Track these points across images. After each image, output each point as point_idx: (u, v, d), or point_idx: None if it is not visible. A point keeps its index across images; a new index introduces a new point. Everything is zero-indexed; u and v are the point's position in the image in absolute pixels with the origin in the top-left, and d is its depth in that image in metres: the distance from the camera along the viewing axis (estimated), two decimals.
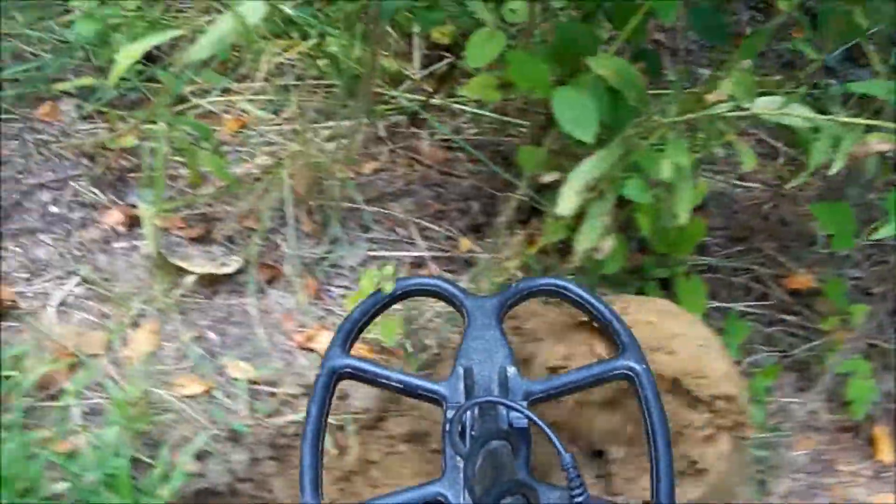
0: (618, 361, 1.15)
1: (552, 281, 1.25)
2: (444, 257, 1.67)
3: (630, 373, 1.14)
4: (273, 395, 1.47)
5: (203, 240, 1.66)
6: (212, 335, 1.54)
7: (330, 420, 1.36)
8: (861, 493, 1.55)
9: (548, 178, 1.41)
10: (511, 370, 1.15)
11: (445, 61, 1.89)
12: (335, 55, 1.75)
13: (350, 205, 1.71)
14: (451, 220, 1.74)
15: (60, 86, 1.80)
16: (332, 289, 1.63)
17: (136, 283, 1.58)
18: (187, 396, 1.45)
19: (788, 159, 1.96)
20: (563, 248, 1.54)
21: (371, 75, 1.60)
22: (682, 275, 1.62)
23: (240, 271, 1.62)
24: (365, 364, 1.15)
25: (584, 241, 1.40)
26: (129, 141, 1.73)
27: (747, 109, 1.25)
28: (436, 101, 1.87)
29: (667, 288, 1.62)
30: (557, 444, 0.93)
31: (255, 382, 1.48)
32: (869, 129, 1.25)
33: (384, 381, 1.14)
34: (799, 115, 1.23)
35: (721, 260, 1.76)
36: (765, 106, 1.25)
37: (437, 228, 1.73)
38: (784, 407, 1.60)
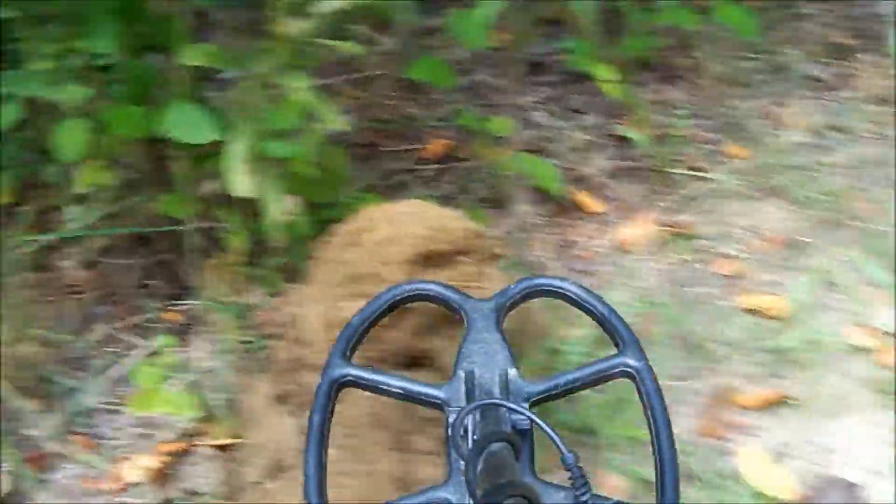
0: (618, 359, 1.16)
1: (550, 281, 1.32)
2: (170, 336, 1.76)
3: (630, 370, 1.15)
4: None
5: None
6: None
7: None
8: None
9: (208, 188, 1.53)
10: (512, 372, 1.18)
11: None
12: None
13: (54, 360, 1.75)
14: (144, 309, 1.82)
15: None
16: (103, 430, 1.66)
17: None
18: None
19: None
20: (257, 248, 1.70)
21: None
22: (356, 200, 1.81)
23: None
24: (365, 372, 1.16)
25: (273, 214, 1.54)
26: None
27: None
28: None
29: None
30: (559, 444, 0.97)
31: None
32: None
33: (385, 387, 1.16)
34: None
35: None
36: None
37: (141, 323, 1.80)
38: None
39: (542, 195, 1.92)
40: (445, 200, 1.88)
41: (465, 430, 1.11)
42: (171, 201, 1.70)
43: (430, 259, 1.53)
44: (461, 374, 1.18)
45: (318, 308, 1.55)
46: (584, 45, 2.10)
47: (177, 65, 1.55)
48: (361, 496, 1.47)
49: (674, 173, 2.01)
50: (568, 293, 1.30)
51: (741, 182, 1.99)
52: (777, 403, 1.63)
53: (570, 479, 0.97)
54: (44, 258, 1.92)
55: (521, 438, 1.09)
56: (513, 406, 1.08)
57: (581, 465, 0.97)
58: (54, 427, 1.66)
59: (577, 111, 2.16)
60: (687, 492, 1.51)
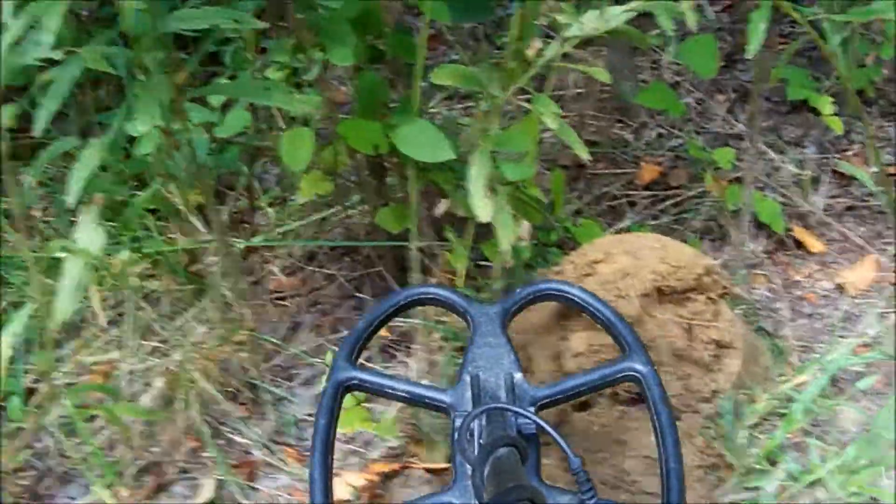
0: (623, 363, 1.19)
1: (554, 285, 1.31)
2: (379, 352, 1.76)
3: (637, 374, 1.18)
4: None
5: (163, 488, 1.64)
6: None
7: None
8: None
9: (442, 207, 1.52)
10: (518, 376, 1.19)
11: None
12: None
13: (261, 367, 1.75)
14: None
15: None
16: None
17: None
18: None
19: None
20: (475, 270, 1.70)
21: None
22: (572, 224, 1.79)
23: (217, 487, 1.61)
24: (371, 375, 1.17)
25: (505, 238, 1.52)
26: None
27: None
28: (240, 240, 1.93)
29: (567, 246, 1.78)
30: (566, 448, 0.99)
31: None
32: None
33: (390, 391, 1.17)
34: None
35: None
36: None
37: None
38: None
39: (761, 230, 1.87)
40: (662, 230, 1.84)
41: (472, 435, 1.11)
42: (390, 215, 1.69)
43: (664, 294, 1.49)
44: (467, 378, 1.19)
45: (544, 339, 1.52)
46: (801, 75, 2.05)
47: (416, 81, 1.54)
48: None
49: None
50: (574, 298, 1.31)
51: None
52: None
53: (576, 482, 0.98)
54: (246, 262, 1.94)
55: (528, 442, 1.08)
56: (519, 410, 1.09)
57: (587, 468, 0.98)
58: (262, 435, 1.67)
59: (793, 143, 2.09)
60: None
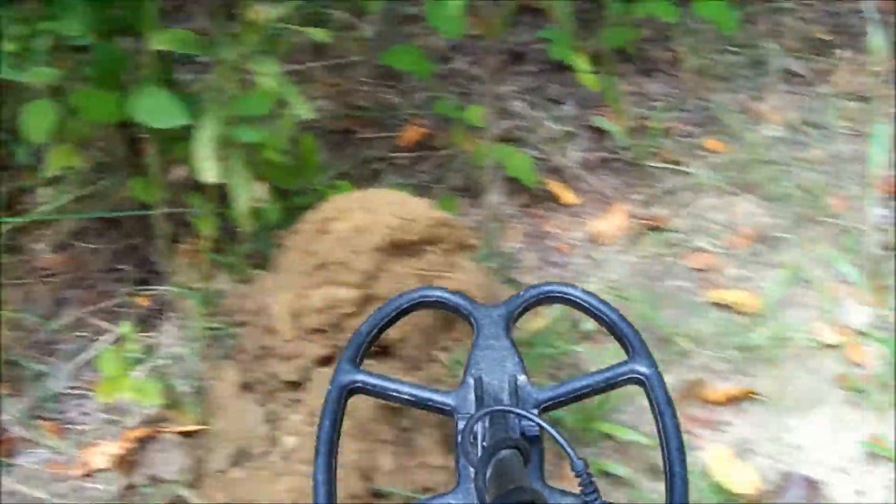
0: (627, 366, 1.21)
1: (559, 287, 1.32)
2: (138, 321, 1.76)
3: (640, 377, 1.22)
4: None
5: None
6: None
7: None
8: None
9: (178, 173, 1.53)
10: (521, 378, 1.20)
11: None
12: None
13: (23, 344, 1.74)
14: (114, 293, 1.83)
15: None
16: (70, 415, 1.66)
17: None
18: None
19: None
20: (226, 235, 1.71)
21: None
22: (325, 187, 1.81)
23: None
24: (375, 378, 1.17)
25: (242, 200, 1.54)
26: None
27: None
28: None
29: None
30: (569, 450, 1.01)
31: None
32: None
33: (394, 394, 1.17)
34: None
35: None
36: None
37: (111, 308, 1.80)
38: None
39: (517, 185, 1.93)
40: (420, 189, 1.89)
41: (475, 437, 1.09)
42: (141, 186, 1.69)
43: (400, 248, 1.53)
44: (470, 380, 1.20)
45: (286, 297, 1.55)
46: (563, 36, 2.11)
47: (147, 49, 1.54)
48: None
49: (650, 166, 2.02)
50: (577, 300, 1.34)
51: (717, 176, 2.00)
52: (744, 399, 1.64)
53: (579, 485, 1.02)
54: (15, 240, 1.92)
55: (531, 445, 1.07)
56: (522, 412, 1.08)
57: (591, 471, 1.01)
58: (21, 411, 1.66)
59: (554, 101, 2.17)
60: (651, 485, 1.52)
